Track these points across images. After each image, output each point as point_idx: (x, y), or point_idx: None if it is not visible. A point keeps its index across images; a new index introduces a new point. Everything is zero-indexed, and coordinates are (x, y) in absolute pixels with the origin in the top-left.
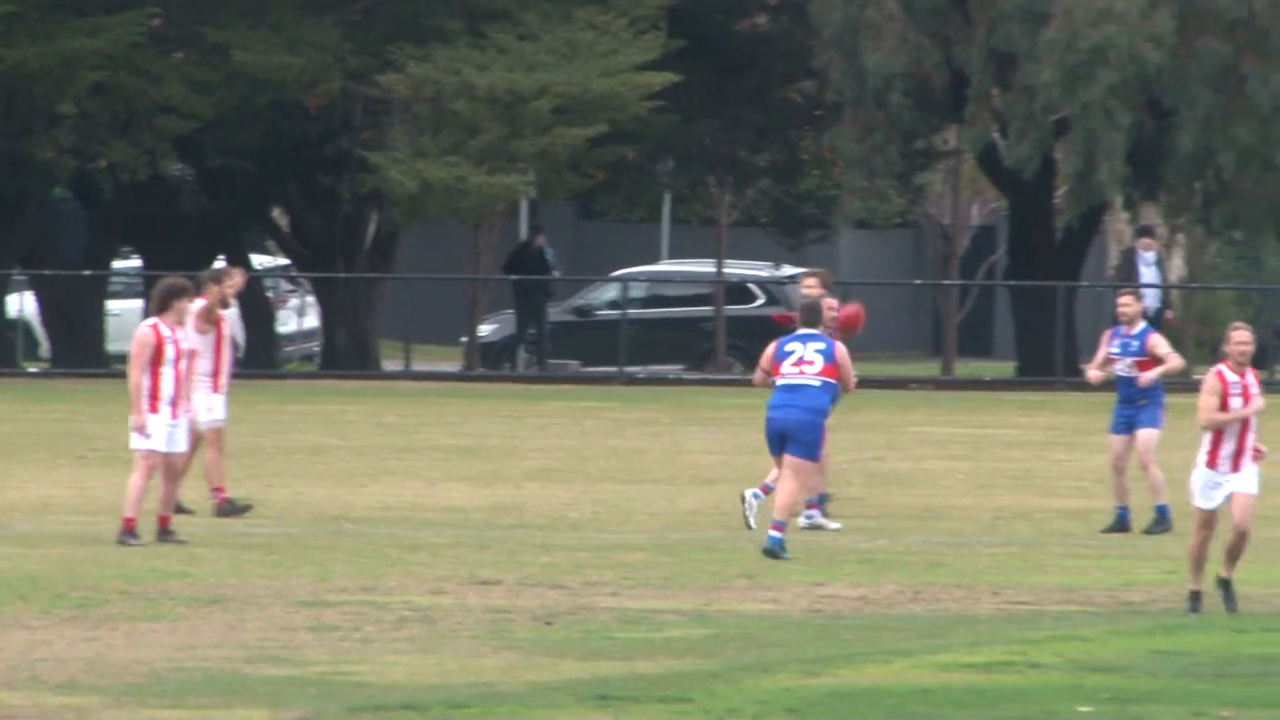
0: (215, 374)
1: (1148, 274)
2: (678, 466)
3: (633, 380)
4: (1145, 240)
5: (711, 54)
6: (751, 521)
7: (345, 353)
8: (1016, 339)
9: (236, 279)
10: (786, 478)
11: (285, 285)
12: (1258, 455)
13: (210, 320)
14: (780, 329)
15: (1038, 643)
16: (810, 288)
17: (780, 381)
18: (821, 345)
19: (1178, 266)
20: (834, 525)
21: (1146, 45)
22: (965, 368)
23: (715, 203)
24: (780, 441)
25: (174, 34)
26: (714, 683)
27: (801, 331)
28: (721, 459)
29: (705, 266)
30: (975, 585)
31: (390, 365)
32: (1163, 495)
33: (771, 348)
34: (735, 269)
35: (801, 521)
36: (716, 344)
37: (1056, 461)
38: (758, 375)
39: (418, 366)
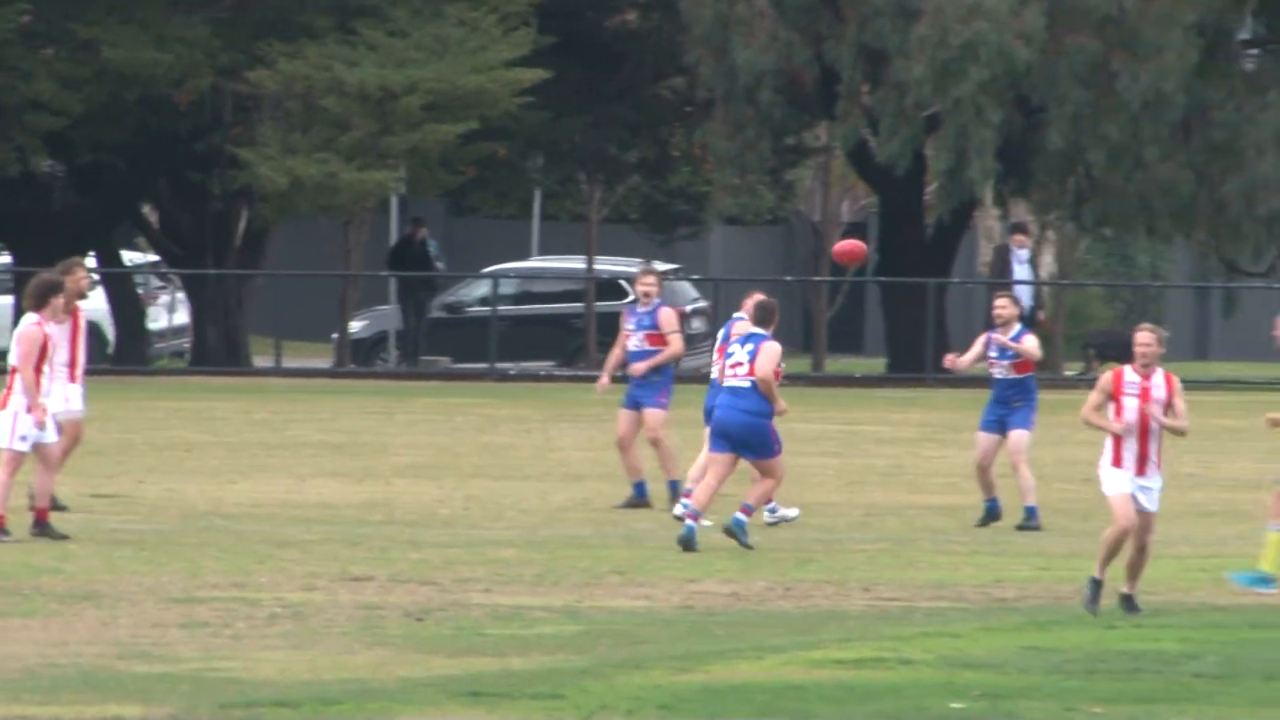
0: (72, 364)
1: (1020, 271)
2: (549, 463)
3: (504, 377)
4: (1018, 237)
5: (582, 50)
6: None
7: (216, 349)
8: (887, 335)
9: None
10: (759, 477)
11: (155, 282)
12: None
13: (67, 311)
14: None
15: (909, 639)
16: (649, 285)
17: (723, 383)
18: (752, 346)
19: (1048, 263)
20: (793, 513)
21: (1016, 42)
22: (836, 364)
23: (586, 199)
24: (723, 439)
25: (43, 30)
26: (586, 679)
27: (748, 332)
28: (593, 455)
29: (576, 263)
30: (846, 582)
31: (261, 362)
32: (1031, 496)
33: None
34: (606, 265)
35: (766, 517)
36: (587, 340)
37: (927, 458)
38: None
39: (288, 363)
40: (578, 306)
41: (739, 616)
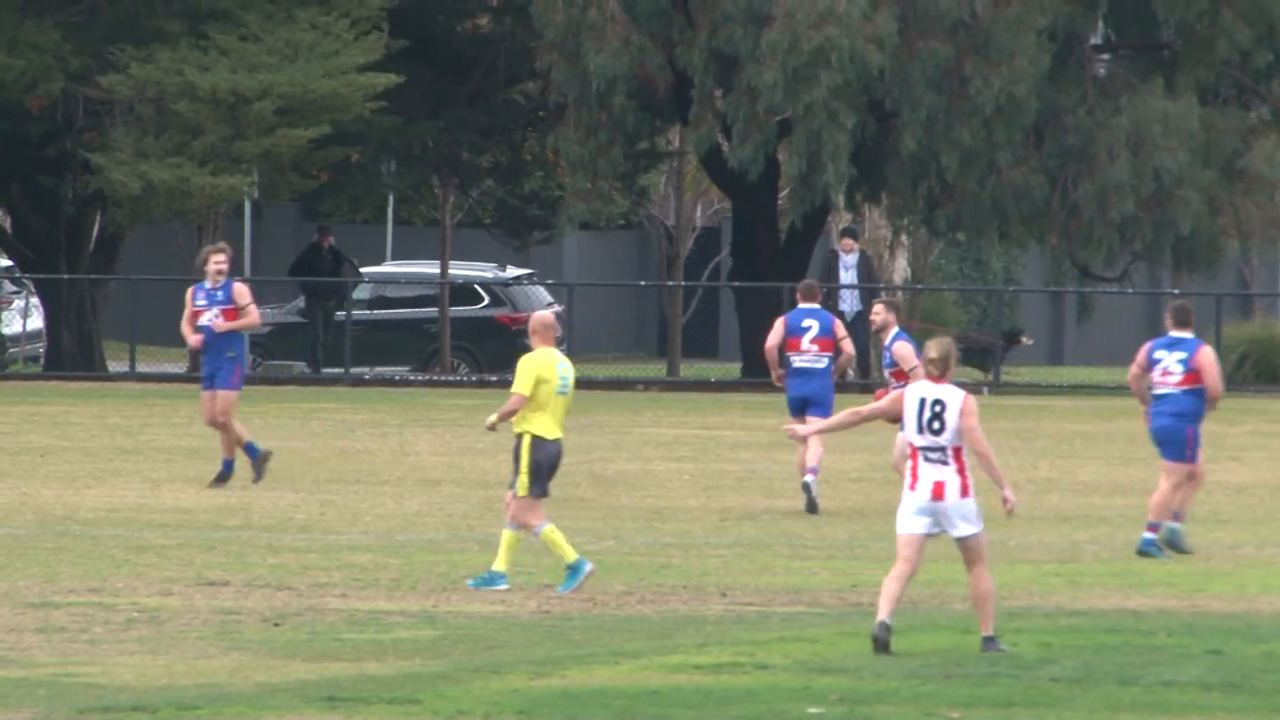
0: None
1: (846, 276)
2: (405, 468)
3: (359, 381)
4: (846, 242)
5: (433, 55)
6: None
7: (70, 354)
8: (741, 340)
9: None
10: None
11: (9, 287)
12: None
13: None
14: (505, 330)
15: (766, 644)
16: (220, 264)
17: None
18: (1184, 354)
19: (902, 268)
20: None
21: (869, 47)
22: (691, 369)
23: (439, 204)
24: (1158, 445)
25: None
26: (443, 684)
27: (1172, 336)
28: (448, 460)
29: (430, 268)
30: (703, 586)
31: (115, 366)
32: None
33: None
34: (460, 270)
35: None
36: (442, 345)
37: (783, 463)
38: None
39: (142, 368)
40: (432, 311)
41: (596, 621)
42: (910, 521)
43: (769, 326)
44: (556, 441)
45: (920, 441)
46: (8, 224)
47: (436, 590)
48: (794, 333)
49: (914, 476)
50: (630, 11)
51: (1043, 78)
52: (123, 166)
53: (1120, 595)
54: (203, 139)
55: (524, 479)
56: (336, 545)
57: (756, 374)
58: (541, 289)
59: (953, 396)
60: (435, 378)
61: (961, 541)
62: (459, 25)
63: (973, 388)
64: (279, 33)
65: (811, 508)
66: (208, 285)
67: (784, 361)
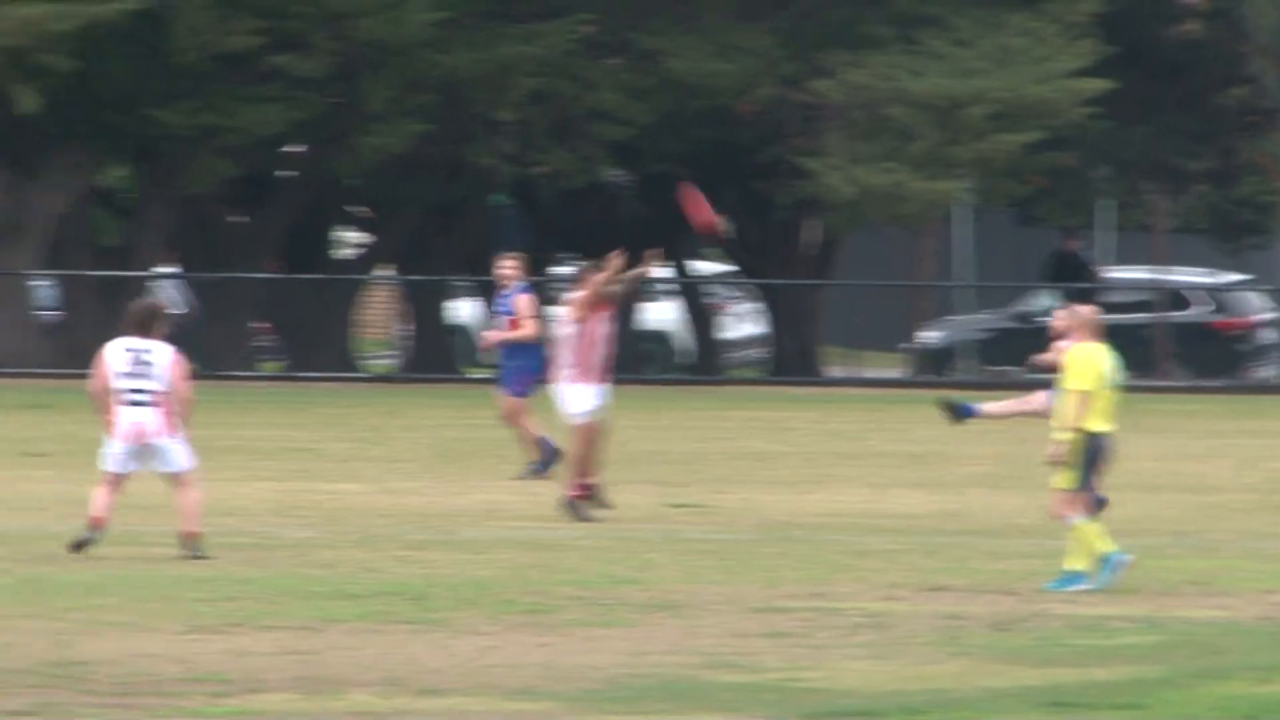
0: (580, 365)
1: None
2: (1121, 474)
3: None
4: None
5: (1143, 60)
6: None
7: (790, 359)
8: None
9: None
10: None
11: (725, 292)
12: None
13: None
14: (1219, 335)
15: None
16: (504, 270)
17: None
18: None
19: None
20: None
21: None
22: None
23: (1152, 209)
24: None
25: (606, 40)
26: (1166, 689)
27: None
28: (1167, 465)
29: (1141, 273)
30: None
31: (833, 371)
32: None
33: None
34: (1174, 276)
35: None
36: (1155, 351)
37: None
38: None
39: (863, 373)
40: (1145, 317)
41: None
42: None
43: None
44: (1108, 435)
45: None
46: (731, 229)
47: (1158, 595)
48: None
49: None
50: None
51: None
52: (836, 172)
53: None
54: (916, 144)
55: (1073, 472)
56: (1057, 551)
57: None
58: (1253, 295)
59: None
60: (1152, 383)
61: None
62: (1169, 30)
63: None
64: (990, 38)
65: None
66: (502, 293)
67: None
